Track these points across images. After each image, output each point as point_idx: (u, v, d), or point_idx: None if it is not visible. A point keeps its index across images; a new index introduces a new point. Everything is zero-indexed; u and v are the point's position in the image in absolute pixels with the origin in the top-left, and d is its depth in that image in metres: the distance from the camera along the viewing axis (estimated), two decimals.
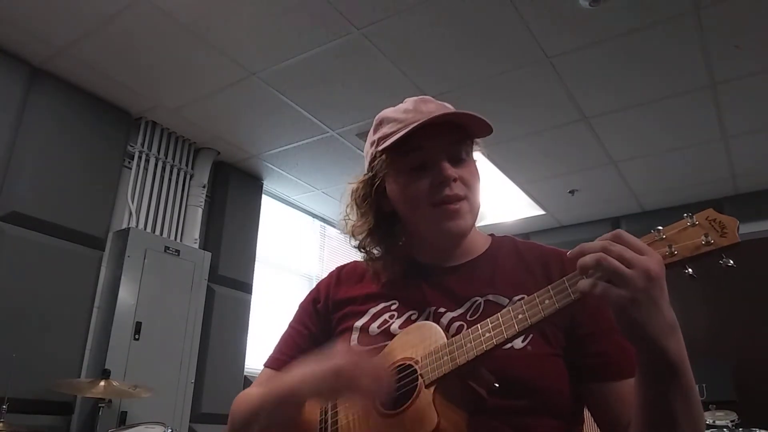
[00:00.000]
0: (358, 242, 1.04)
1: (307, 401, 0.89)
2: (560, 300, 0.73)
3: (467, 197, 0.95)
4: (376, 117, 1.04)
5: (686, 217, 0.71)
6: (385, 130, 0.99)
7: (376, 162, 1.00)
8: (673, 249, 0.70)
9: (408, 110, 0.98)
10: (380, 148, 0.98)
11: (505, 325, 0.76)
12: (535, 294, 0.75)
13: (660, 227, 0.72)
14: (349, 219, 1.05)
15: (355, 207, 1.05)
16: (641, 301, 0.65)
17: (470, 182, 0.96)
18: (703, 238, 0.69)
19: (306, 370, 0.85)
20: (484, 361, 0.79)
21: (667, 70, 3.04)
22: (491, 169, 4.10)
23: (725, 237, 0.68)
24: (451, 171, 0.93)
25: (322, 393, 0.83)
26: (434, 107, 0.99)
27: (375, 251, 1.05)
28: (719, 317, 4.35)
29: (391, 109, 1.02)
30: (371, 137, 1.04)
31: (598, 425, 0.88)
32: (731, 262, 0.69)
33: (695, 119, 3.49)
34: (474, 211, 0.97)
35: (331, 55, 2.96)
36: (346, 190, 1.07)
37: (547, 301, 0.73)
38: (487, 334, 0.77)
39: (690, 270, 0.70)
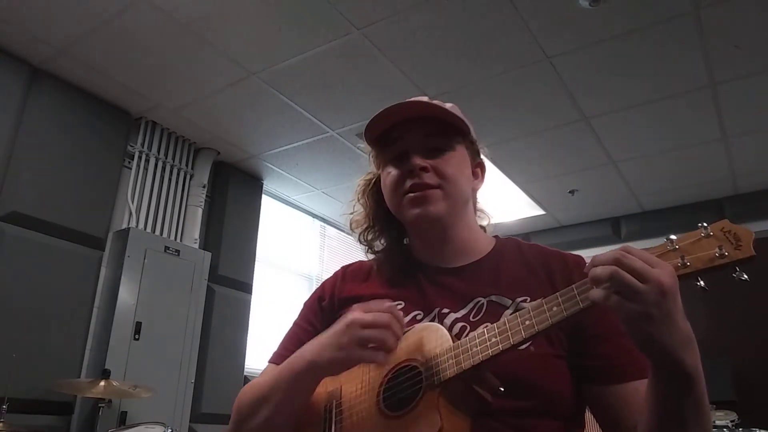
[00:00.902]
0: (357, 234, 1.09)
1: (326, 374, 0.87)
2: (569, 308, 0.72)
3: (441, 186, 0.96)
4: None
5: (700, 227, 0.70)
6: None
7: (371, 157, 1.08)
8: (686, 260, 0.68)
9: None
10: (365, 139, 1.05)
11: (512, 330, 0.76)
12: (543, 300, 0.75)
13: (673, 237, 0.70)
14: (352, 213, 1.11)
15: (357, 202, 1.10)
16: (654, 315, 0.64)
17: (446, 173, 0.97)
18: (717, 250, 0.67)
19: (319, 338, 0.86)
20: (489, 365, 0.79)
21: (667, 70, 3.04)
22: (491, 169, 4.09)
23: (740, 250, 0.66)
24: (418, 161, 0.96)
25: (340, 352, 0.80)
26: (425, 101, 1.01)
27: (376, 245, 1.09)
28: (719, 317, 4.34)
29: None
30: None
31: (601, 428, 0.87)
32: (745, 276, 0.67)
33: (695, 119, 3.49)
34: (452, 201, 0.98)
35: (331, 55, 2.96)
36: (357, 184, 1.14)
37: (555, 308, 0.73)
38: (494, 339, 0.76)
39: (702, 282, 0.69)
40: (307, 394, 0.89)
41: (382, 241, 1.08)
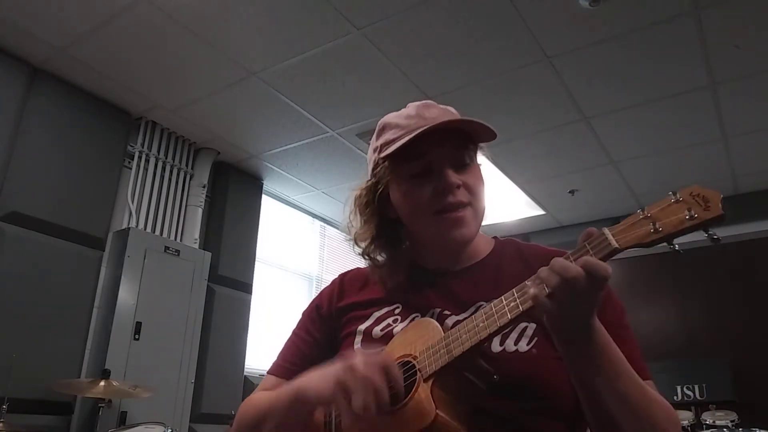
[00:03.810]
0: (361, 249, 1.04)
1: (316, 408, 0.87)
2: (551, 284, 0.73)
3: (471, 203, 0.94)
4: (379, 122, 1.03)
5: (670, 194, 0.72)
6: (388, 136, 0.98)
7: (378, 168, 0.99)
8: (657, 226, 0.70)
9: (411, 116, 0.97)
10: (383, 154, 0.96)
11: (498, 314, 0.77)
12: (526, 281, 0.76)
13: (646, 206, 0.73)
14: (353, 226, 1.04)
15: (358, 214, 1.04)
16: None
17: (474, 188, 0.95)
18: (686, 212, 0.69)
19: (314, 373, 0.85)
20: (488, 357, 0.79)
21: (667, 70, 3.05)
22: (491, 169, 4.10)
23: (708, 210, 0.68)
24: (454, 178, 0.92)
25: (328, 392, 0.79)
26: (437, 112, 0.97)
27: (379, 258, 1.04)
28: (719, 317, 4.35)
29: (394, 114, 1.01)
30: (374, 143, 1.02)
31: None
32: (716, 234, 0.69)
33: (695, 119, 3.49)
34: (478, 218, 0.96)
35: (331, 55, 2.96)
36: (350, 197, 1.06)
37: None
38: (481, 324, 0.78)
39: (676, 246, 0.71)
40: (303, 420, 0.88)
41: (383, 254, 1.04)
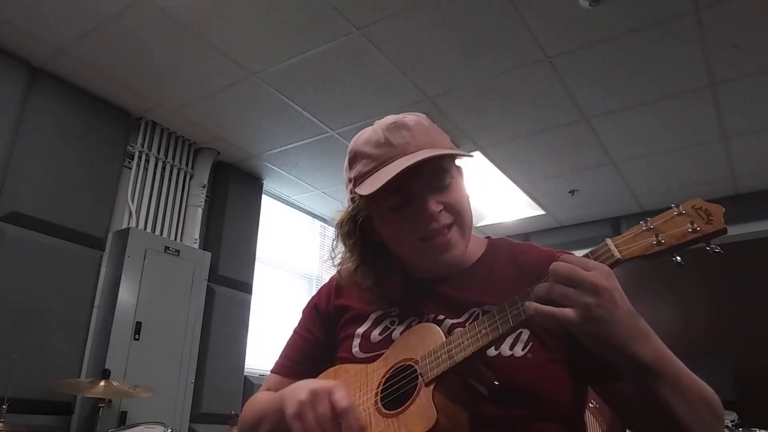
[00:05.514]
0: (347, 276, 1.02)
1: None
2: None
3: (455, 222, 0.93)
4: (349, 148, 0.99)
5: (673, 206, 0.73)
6: (360, 168, 0.95)
7: (356, 202, 0.97)
8: (660, 238, 0.71)
9: (380, 144, 0.93)
10: (358, 191, 0.93)
11: (501, 320, 0.77)
12: (530, 288, 0.76)
13: (648, 218, 0.74)
14: (335, 255, 1.05)
15: (340, 243, 1.03)
16: (593, 316, 0.67)
17: (457, 205, 0.93)
18: (689, 225, 0.70)
19: (302, 382, 0.85)
20: (485, 361, 0.80)
21: (667, 70, 3.04)
22: (491, 169, 4.10)
23: (711, 224, 0.69)
24: (434, 206, 0.90)
25: (289, 409, 0.79)
26: (407, 136, 0.92)
27: (367, 282, 1.01)
28: (719, 317, 4.34)
29: (363, 140, 0.97)
30: (347, 173, 0.99)
31: (623, 421, 0.89)
32: (718, 248, 0.71)
33: (695, 119, 3.49)
34: (466, 234, 0.95)
35: (331, 55, 2.96)
36: (334, 220, 1.04)
37: None
38: (483, 330, 0.78)
39: (678, 258, 0.72)
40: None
41: (371, 276, 1.01)
